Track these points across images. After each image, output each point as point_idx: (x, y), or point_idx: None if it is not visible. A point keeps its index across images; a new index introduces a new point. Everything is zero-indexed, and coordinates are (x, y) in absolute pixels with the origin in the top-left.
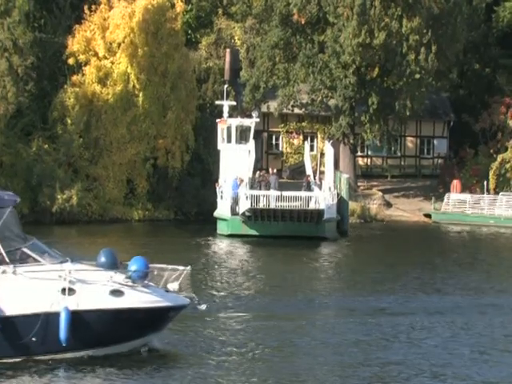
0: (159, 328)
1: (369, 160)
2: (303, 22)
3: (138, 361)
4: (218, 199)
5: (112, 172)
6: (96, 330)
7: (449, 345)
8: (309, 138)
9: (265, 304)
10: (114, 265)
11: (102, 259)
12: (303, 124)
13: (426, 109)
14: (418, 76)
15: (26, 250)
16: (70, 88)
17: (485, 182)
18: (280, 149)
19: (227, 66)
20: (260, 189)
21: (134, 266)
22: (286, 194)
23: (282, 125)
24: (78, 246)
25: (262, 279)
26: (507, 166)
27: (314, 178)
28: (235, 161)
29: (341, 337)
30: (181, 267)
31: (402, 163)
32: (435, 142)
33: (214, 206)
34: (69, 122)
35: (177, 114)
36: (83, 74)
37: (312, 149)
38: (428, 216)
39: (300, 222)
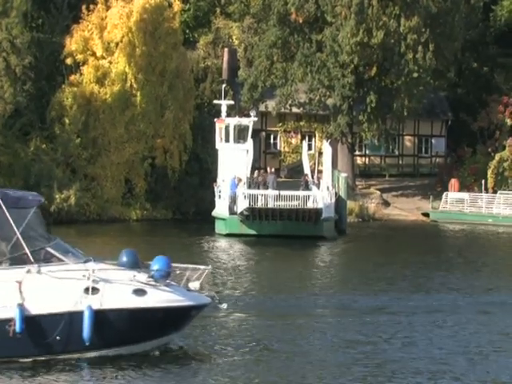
0: (181, 327)
1: (367, 159)
2: (301, 21)
3: (144, 361)
4: (216, 198)
5: (110, 172)
6: (119, 329)
7: (446, 344)
8: (307, 137)
9: (262, 303)
10: (135, 264)
11: (124, 259)
12: (301, 123)
13: (424, 108)
14: (416, 75)
15: (50, 249)
16: (68, 88)
17: (483, 181)
18: (278, 148)
19: (225, 66)
20: (258, 188)
21: (156, 265)
22: (284, 193)
23: (280, 124)
24: (77, 246)
25: (259, 278)
26: (505, 164)
27: (312, 178)
28: (233, 160)
29: (338, 336)
30: (202, 266)
31: (400, 162)
32: (433, 140)
33: (212, 206)
34: (67, 121)
35: (175, 114)
36: (81, 74)
37: (310, 148)
38: (426, 215)
39: (298, 221)
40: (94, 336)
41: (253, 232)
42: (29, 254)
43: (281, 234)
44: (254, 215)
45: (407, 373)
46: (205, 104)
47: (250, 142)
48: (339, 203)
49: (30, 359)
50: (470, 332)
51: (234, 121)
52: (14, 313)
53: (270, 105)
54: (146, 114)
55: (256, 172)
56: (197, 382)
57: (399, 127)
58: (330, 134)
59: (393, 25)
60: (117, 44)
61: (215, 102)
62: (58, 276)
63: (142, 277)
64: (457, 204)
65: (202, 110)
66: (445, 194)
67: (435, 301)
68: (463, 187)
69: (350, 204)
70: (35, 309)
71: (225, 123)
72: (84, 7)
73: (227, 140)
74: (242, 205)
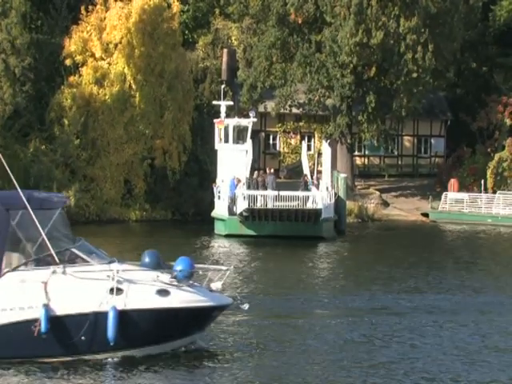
0: (203, 327)
1: (366, 159)
2: (300, 22)
3: (160, 359)
4: (216, 199)
5: (109, 172)
6: (142, 329)
7: (446, 344)
8: (306, 138)
9: (262, 303)
10: (157, 265)
11: (147, 260)
12: (300, 124)
13: (423, 108)
14: (415, 75)
15: (74, 250)
16: (67, 89)
17: (482, 181)
18: (277, 149)
19: (224, 66)
20: (257, 189)
21: (179, 266)
22: (283, 193)
23: (280, 124)
24: None
25: (259, 279)
26: (504, 164)
27: (312, 178)
28: (232, 161)
29: (337, 336)
30: (223, 267)
31: (400, 162)
32: (432, 141)
33: (212, 206)
34: (66, 122)
35: (174, 115)
36: (80, 75)
37: (309, 148)
38: (425, 215)
39: (297, 221)
40: (119, 336)
41: (252, 233)
42: (54, 255)
43: (280, 234)
44: (253, 216)
45: (407, 373)
46: (204, 105)
47: (249, 143)
48: (338, 204)
49: (55, 359)
50: (469, 332)
51: (233, 121)
52: (39, 313)
53: (270, 105)
54: (145, 114)
55: (255, 172)
56: (197, 381)
57: (398, 127)
58: (329, 135)
59: (392, 25)
60: (116, 45)
61: (214, 102)
62: (83, 277)
63: (166, 277)
64: (456, 204)
65: (201, 111)
66: (444, 194)
67: (435, 301)
68: (462, 187)
69: (350, 204)
70: (60, 309)
71: (224, 124)
72: (83, 8)
73: (226, 141)
74: (241, 205)
